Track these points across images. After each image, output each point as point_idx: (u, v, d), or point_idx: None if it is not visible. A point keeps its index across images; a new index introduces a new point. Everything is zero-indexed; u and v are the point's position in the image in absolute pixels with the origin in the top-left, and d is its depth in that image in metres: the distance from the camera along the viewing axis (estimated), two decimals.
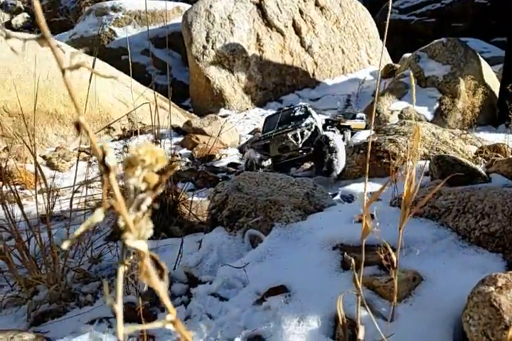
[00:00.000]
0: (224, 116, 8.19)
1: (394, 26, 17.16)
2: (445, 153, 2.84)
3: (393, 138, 2.89)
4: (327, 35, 10.06)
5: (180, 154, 4.45)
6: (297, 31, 9.74)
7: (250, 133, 6.53)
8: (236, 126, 6.62)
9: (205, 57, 8.51)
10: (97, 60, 7.74)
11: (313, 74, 9.68)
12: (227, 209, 1.78)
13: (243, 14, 9.07)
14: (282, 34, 9.53)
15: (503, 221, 1.31)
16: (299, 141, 3.54)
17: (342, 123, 4.42)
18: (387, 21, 1.08)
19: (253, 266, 1.44)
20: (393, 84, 8.55)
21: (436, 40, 8.72)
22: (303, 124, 3.58)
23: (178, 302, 1.41)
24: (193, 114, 8.31)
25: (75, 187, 2.70)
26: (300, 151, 3.54)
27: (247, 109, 8.95)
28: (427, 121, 7.65)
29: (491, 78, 8.45)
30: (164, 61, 9.90)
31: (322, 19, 10.18)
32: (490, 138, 5.51)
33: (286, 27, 9.61)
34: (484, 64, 8.52)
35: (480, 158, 2.79)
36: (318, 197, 1.97)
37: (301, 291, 1.25)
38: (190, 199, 2.76)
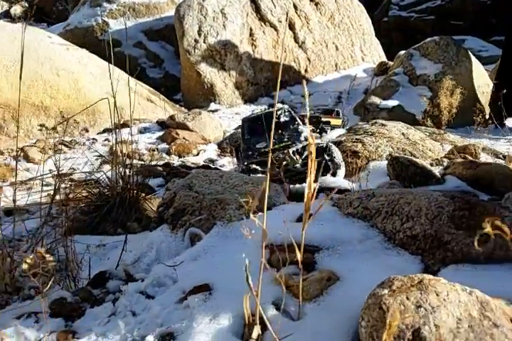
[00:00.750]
0: (214, 111, 8.19)
1: (393, 23, 17.06)
2: (411, 153, 2.86)
3: (360, 137, 2.92)
4: (321, 31, 10.01)
5: (157, 149, 4.47)
6: (291, 26, 9.69)
7: (237, 129, 6.55)
8: (221, 122, 6.62)
9: (196, 50, 8.48)
10: (87, 51, 7.70)
11: (306, 71, 9.66)
12: (173, 207, 1.81)
13: (236, 8, 9.02)
14: (276, 29, 9.49)
15: (425, 224, 1.33)
16: (299, 157, 3.06)
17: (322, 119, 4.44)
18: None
19: (187, 264, 1.47)
20: (384, 81, 8.53)
21: (429, 39, 8.69)
22: (302, 138, 3.11)
23: (110, 299, 1.44)
24: (182, 108, 8.30)
25: (43, 180, 2.71)
26: (298, 167, 3.07)
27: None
28: (417, 119, 7.67)
29: (483, 77, 8.43)
30: (157, 54, 9.88)
31: (316, 15, 10.12)
32: (475, 138, 5.53)
33: (280, 22, 9.56)
34: (476, 63, 8.49)
35: (445, 159, 2.81)
36: (270, 196, 2.00)
37: (222, 290, 1.28)
38: (156, 194, 2.79)
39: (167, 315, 1.23)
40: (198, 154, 4.44)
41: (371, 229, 1.47)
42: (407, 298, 0.95)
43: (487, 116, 6.39)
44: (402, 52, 9.99)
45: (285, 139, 3.10)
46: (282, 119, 3.34)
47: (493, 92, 7.02)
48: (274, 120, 3.37)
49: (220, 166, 4.02)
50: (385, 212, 1.45)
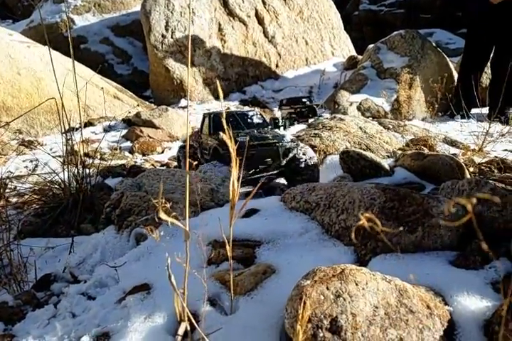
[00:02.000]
0: (184, 108, 8.12)
1: (364, 17, 17.24)
2: (367, 146, 2.92)
3: (318, 132, 2.95)
4: (290, 26, 10.03)
5: (120, 147, 4.40)
6: (260, 21, 9.67)
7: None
8: (191, 118, 6.58)
9: (164, 46, 8.37)
10: (49, 49, 7.49)
11: (277, 66, 9.68)
12: (119, 207, 1.80)
13: (204, 3, 8.93)
14: (245, 24, 9.46)
15: (358, 216, 1.37)
16: (283, 158, 2.71)
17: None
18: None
19: (130, 264, 1.47)
20: (353, 75, 8.64)
21: (395, 32, 8.84)
22: (287, 139, 2.81)
23: (53, 302, 1.42)
24: (152, 105, 8.19)
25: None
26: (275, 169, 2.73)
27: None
28: (385, 112, 7.82)
29: (448, 70, 8.65)
30: (125, 50, 9.69)
31: (285, 9, 10.13)
32: (439, 129, 5.68)
33: (249, 17, 9.53)
34: (442, 56, 8.69)
35: (399, 151, 2.89)
36: (224, 193, 2.01)
37: (160, 289, 1.29)
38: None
39: (105, 315, 1.23)
40: (162, 152, 4.39)
41: (311, 222, 1.50)
42: (327, 288, 0.98)
43: (452, 107, 6.58)
44: (371, 45, 10.13)
45: (270, 137, 2.75)
46: (255, 121, 3.10)
47: (457, 84, 7.21)
48: (247, 120, 3.13)
49: None
50: (323, 205, 1.49)
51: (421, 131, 5.03)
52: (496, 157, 3.88)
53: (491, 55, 6.66)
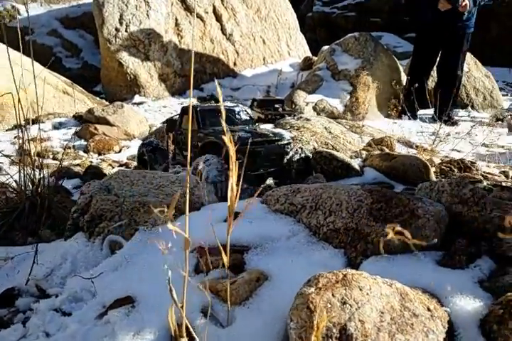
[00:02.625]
0: (139, 104, 7.82)
1: (317, 19, 17.59)
2: (333, 146, 2.96)
3: None
4: (248, 25, 10.00)
5: (73, 146, 4.13)
6: (218, 18, 9.55)
7: (164, 123, 6.31)
8: (147, 115, 6.36)
9: (117, 40, 8.01)
10: None
11: (235, 64, 9.61)
12: (89, 213, 1.66)
13: None
14: (202, 20, 9.29)
15: (346, 218, 1.37)
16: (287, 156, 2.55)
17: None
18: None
19: (106, 275, 1.36)
20: (309, 76, 8.79)
21: (349, 35, 9.09)
22: (286, 136, 2.66)
23: (20, 320, 1.29)
24: (104, 101, 7.82)
25: None
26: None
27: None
28: (339, 113, 8.02)
29: (398, 72, 9.04)
30: (74, 43, 9.17)
31: (243, 7, 10.08)
32: (389, 129, 5.91)
33: (207, 13, 9.37)
34: (393, 58, 9.06)
35: (364, 151, 2.95)
36: (198, 195, 1.93)
37: (146, 301, 1.20)
38: (73, 197, 2.58)
39: (86, 333, 1.12)
40: (120, 151, 4.18)
41: (297, 224, 1.48)
42: (333, 295, 0.96)
43: (402, 109, 6.89)
44: (326, 47, 10.37)
45: (270, 134, 2.60)
46: (243, 117, 2.96)
47: (407, 86, 7.55)
48: (236, 116, 2.98)
49: None
50: (309, 207, 1.47)
51: (376, 132, 5.21)
52: (446, 156, 4.11)
53: (438, 59, 7.02)
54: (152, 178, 1.94)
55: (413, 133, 6.03)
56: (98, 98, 7.91)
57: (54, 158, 3.40)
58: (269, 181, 2.37)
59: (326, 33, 17.18)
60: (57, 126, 4.87)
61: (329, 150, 2.35)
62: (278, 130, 2.77)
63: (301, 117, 3.39)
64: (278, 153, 2.48)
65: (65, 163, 3.32)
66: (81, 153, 4.02)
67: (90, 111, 4.97)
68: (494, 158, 3.98)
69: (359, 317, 0.93)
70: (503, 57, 11.07)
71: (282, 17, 10.94)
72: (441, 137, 4.87)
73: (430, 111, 7.05)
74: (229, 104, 3.16)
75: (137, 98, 8.19)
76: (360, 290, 0.98)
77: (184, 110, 3.01)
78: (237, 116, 2.87)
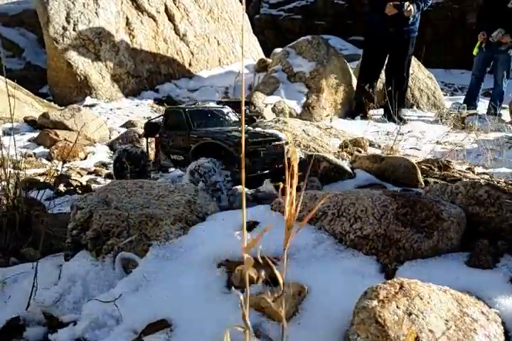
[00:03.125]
0: (91, 106, 7.41)
1: (265, 21, 17.76)
2: (315, 148, 2.98)
3: None
4: (202, 25, 9.85)
5: (34, 154, 3.81)
6: (170, 18, 9.31)
7: (123, 126, 6.02)
8: (105, 118, 6.05)
9: (65, 39, 7.54)
10: None
11: (190, 64, 9.43)
12: (92, 229, 1.52)
13: None
14: (154, 19, 9.01)
15: (374, 224, 1.37)
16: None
17: None
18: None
19: (127, 297, 1.25)
20: (266, 78, 8.86)
21: (302, 37, 9.27)
22: (283, 137, 2.60)
23: None
24: (52, 104, 7.33)
25: None
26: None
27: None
28: (297, 114, 8.15)
29: (349, 74, 9.37)
30: (15, 42, 8.49)
31: (196, 7, 9.92)
32: (348, 130, 6.10)
33: (159, 12, 9.10)
34: (343, 61, 9.36)
35: (345, 153, 3.01)
36: (201, 204, 1.84)
37: (184, 324, 1.11)
38: (49, 211, 2.37)
39: None
40: (86, 158, 3.91)
41: (319, 232, 1.45)
42: (397, 307, 0.95)
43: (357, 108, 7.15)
44: (278, 49, 10.52)
45: (267, 134, 2.53)
46: (233, 118, 2.86)
47: (357, 88, 7.83)
48: (225, 117, 2.77)
49: None
50: (331, 214, 1.45)
51: (340, 133, 5.35)
52: (407, 154, 4.30)
53: (386, 62, 7.34)
54: (150, 188, 1.83)
55: (367, 133, 6.27)
56: (46, 100, 7.39)
57: (15, 168, 3.10)
58: (266, 184, 2.31)
59: (273, 35, 17.41)
60: (9, 132, 4.46)
61: (321, 154, 2.35)
62: (272, 130, 2.73)
63: (279, 120, 3.38)
64: (278, 153, 2.43)
65: (29, 173, 3.04)
66: (44, 161, 3.70)
67: (45, 115, 4.61)
68: (452, 155, 4.23)
69: (428, 327, 0.92)
70: (439, 59, 11.87)
71: (235, 18, 10.91)
72: (395, 136, 5.08)
73: (380, 112, 7.38)
74: (214, 105, 3.06)
75: (88, 100, 7.76)
76: (421, 299, 0.97)
77: (169, 112, 2.87)
78: (226, 117, 2.80)
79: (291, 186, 0.91)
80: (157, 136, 2.90)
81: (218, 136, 2.43)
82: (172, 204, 1.73)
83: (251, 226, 1.53)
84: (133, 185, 1.82)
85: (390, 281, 1.03)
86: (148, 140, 3.10)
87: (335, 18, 17.78)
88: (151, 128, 2.99)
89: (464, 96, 7.87)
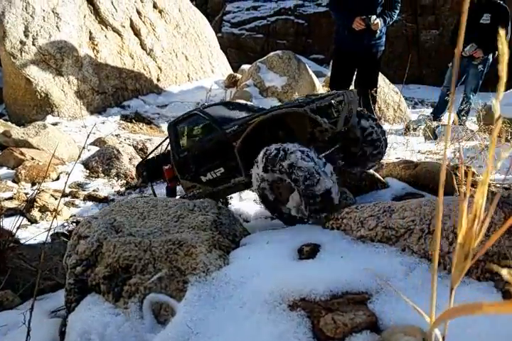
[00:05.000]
0: (54, 124, 6.84)
1: (227, 39, 17.86)
2: None
3: None
4: (169, 40, 9.57)
5: None
6: (136, 32, 8.97)
7: (92, 144, 5.52)
8: (73, 136, 5.55)
9: (24, 54, 6.99)
10: None
11: (158, 80, 9.07)
12: (104, 264, 1.14)
13: (71, 8, 7.84)
14: (119, 34, 8.63)
15: (483, 240, 1.09)
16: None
17: None
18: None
19: None
20: (238, 93, 8.70)
21: (272, 53, 9.24)
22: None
23: None
24: (9, 123, 6.68)
25: None
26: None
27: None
28: None
29: (319, 89, 9.39)
30: None
31: (162, 22, 9.65)
32: None
33: (124, 27, 8.74)
34: (312, 77, 9.39)
35: None
36: (228, 224, 1.50)
37: None
38: (25, 242, 1.93)
39: None
40: (58, 178, 3.43)
41: (404, 254, 1.15)
42: None
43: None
44: (246, 65, 10.46)
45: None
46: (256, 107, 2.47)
47: None
48: (247, 107, 2.33)
49: (94, 190, 3.17)
50: (419, 231, 1.16)
51: None
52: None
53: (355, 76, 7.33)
54: (165, 207, 1.46)
55: None
56: (2, 120, 6.73)
57: None
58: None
59: (236, 53, 17.51)
60: None
61: None
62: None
63: None
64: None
65: None
66: (10, 183, 3.18)
67: (6, 133, 4.08)
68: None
69: None
70: (396, 74, 12.23)
71: (202, 34, 10.75)
72: None
73: None
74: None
75: (50, 118, 7.18)
76: None
77: (175, 124, 2.29)
78: (249, 107, 2.43)
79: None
80: (167, 167, 2.24)
81: (281, 107, 1.82)
82: (197, 227, 1.38)
83: (310, 251, 1.20)
84: (144, 204, 1.45)
85: None
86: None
87: (295, 37, 18.16)
88: (151, 165, 2.36)
89: (425, 109, 8.03)
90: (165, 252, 1.17)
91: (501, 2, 5.68)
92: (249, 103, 2.56)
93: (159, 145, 2.56)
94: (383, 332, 0.89)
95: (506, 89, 6.31)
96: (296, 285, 1.00)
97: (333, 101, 1.83)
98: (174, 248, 1.19)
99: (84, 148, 4.28)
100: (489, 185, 2.17)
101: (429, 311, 0.57)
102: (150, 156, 2.52)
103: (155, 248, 1.17)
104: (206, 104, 8.51)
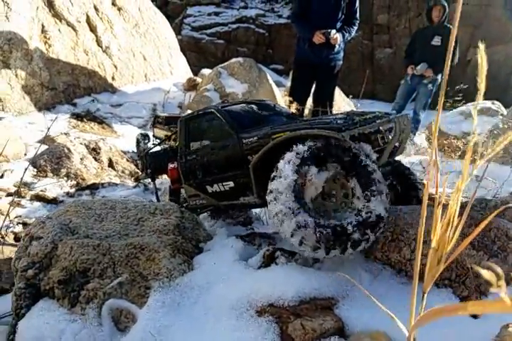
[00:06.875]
0: None
1: (187, 42, 17.73)
2: None
3: None
4: (127, 39, 9.31)
5: None
6: (92, 29, 8.63)
7: (39, 142, 5.20)
8: (18, 133, 5.21)
9: None
10: None
11: (113, 78, 8.77)
12: (59, 268, 1.05)
13: None
14: (74, 29, 8.26)
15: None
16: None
17: None
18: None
19: None
20: (198, 97, 8.63)
21: (234, 59, 9.29)
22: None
23: None
24: None
25: None
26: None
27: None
28: None
29: (279, 97, 9.54)
30: None
31: (120, 20, 9.38)
32: None
33: (79, 22, 8.38)
34: (271, 86, 9.52)
35: None
36: (191, 229, 1.46)
37: None
38: None
39: None
40: (2, 176, 3.18)
41: (369, 261, 1.18)
42: None
43: None
44: (206, 70, 10.45)
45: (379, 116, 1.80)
46: (283, 110, 2.21)
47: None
48: (274, 109, 1.98)
49: (42, 191, 2.97)
50: (383, 238, 1.18)
51: None
52: None
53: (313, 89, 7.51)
54: (125, 209, 1.40)
55: None
56: None
57: None
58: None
59: (196, 57, 17.45)
60: None
61: None
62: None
63: None
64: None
65: None
66: None
67: None
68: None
69: None
70: (350, 89, 12.75)
71: (162, 35, 10.57)
72: None
73: None
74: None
75: None
76: None
77: (189, 120, 2.00)
78: (276, 109, 2.10)
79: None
80: (173, 165, 1.90)
81: (311, 124, 1.58)
82: (159, 230, 1.33)
83: (271, 254, 1.20)
84: (102, 205, 1.37)
85: None
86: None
87: (256, 45, 18.40)
88: (157, 159, 2.05)
89: None
90: (125, 256, 1.11)
91: (450, 26, 6.10)
92: (278, 105, 2.28)
93: (169, 137, 2.20)
94: (350, 337, 0.90)
95: (451, 109, 6.73)
96: (264, 291, 0.99)
97: (381, 128, 1.62)
98: (135, 252, 1.13)
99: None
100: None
101: (409, 315, 0.58)
102: (157, 149, 2.21)
103: (115, 251, 1.11)
104: (186, 103, 8.35)
